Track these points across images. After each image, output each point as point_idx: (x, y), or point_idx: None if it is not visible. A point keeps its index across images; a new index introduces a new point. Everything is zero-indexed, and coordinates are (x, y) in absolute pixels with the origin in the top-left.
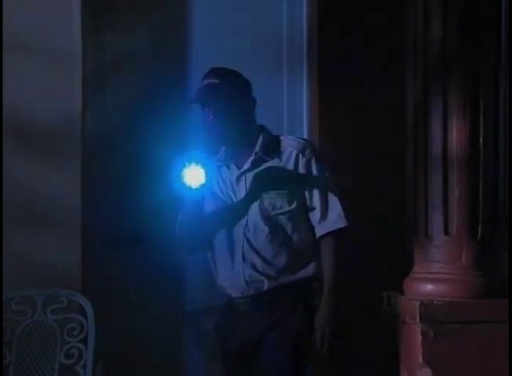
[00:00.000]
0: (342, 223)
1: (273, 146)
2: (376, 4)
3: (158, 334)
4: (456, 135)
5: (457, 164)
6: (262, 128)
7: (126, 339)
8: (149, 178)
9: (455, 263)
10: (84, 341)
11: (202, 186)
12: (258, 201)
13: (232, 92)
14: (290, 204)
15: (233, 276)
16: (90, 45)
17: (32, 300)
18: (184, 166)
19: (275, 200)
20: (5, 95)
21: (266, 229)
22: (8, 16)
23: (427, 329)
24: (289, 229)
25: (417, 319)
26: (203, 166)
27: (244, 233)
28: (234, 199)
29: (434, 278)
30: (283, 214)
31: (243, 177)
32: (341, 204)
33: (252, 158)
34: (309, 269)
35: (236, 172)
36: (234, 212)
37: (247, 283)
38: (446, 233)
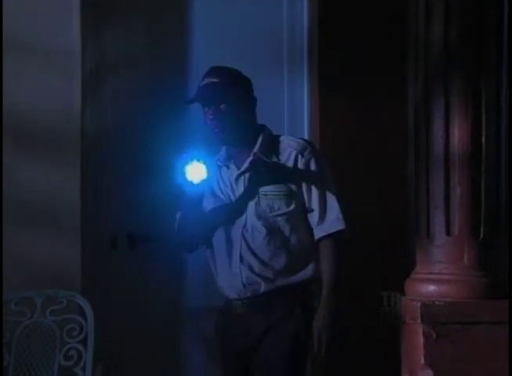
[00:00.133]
0: (340, 225)
1: (272, 147)
2: (377, 3)
3: (158, 334)
4: (458, 134)
5: (459, 163)
6: (263, 128)
7: (126, 339)
8: (149, 178)
9: (457, 263)
10: (84, 342)
11: (203, 181)
12: (256, 201)
13: (232, 91)
14: (288, 205)
15: (231, 277)
16: (90, 44)
17: (31, 301)
18: (186, 162)
19: (273, 202)
20: (5, 95)
21: (264, 230)
22: (8, 16)
23: (428, 330)
24: (287, 231)
25: (419, 320)
26: (205, 162)
27: (242, 234)
28: (233, 199)
29: (436, 278)
30: (280, 215)
31: (242, 177)
32: (340, 206)
33: (251, 158)
34: (307, 272)
35: (236, 172)
36: (232, 209)
37: (244, 285)
38: (448, 233)
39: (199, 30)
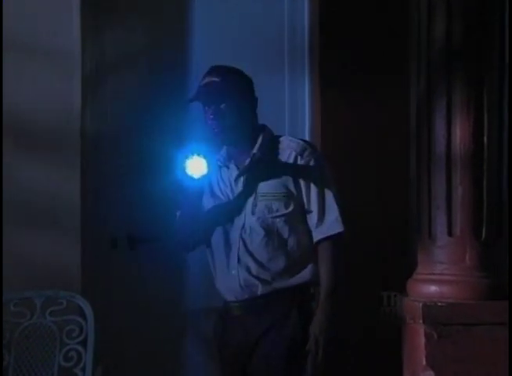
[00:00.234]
0: (339, 228)
1: (272, 147)
2: (378, 3)
3: (158, 334)
4: (460, 134)
5: (461, 163)
6: (263, 128)
7: (126, 340)
8: (149, 178)
9: (458, 264)
10: (84, 343)
11: (203, 176)
12: (254, 202)
13: (233, 90)
14: (286, 207)
15: (229, 279)
16: (90, 44)
17: (31, 302)
18: (187, 156)
19: (272, 203)
20: (5, 95)
21: (262, 231)
22: (8, 16)
23: (430, 331)
24: (285, 233)
25: (420, 321)
26: (206, 157)
27: (241, 235)
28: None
29: (438, 279)
30: (279, 217)
31: (242, 178)
32: (339, 207)
33: (249, 159)
34: (305, 274)
35: (235, 173)
36: (231, 207)
37: (242, 288)
38: (450, 233)
39: (199, 30)
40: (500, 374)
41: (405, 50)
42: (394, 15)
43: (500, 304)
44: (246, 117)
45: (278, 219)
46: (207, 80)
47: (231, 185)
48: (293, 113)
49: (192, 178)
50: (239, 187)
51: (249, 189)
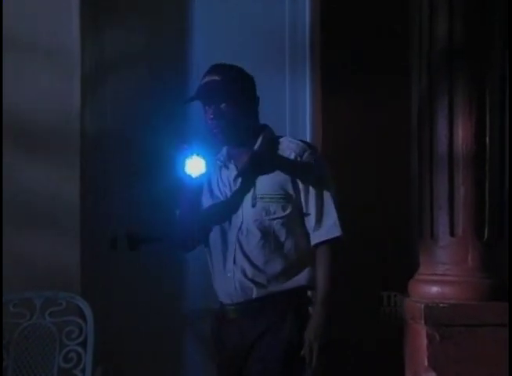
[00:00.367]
0: (337, 232)
1: (272, 148)
2: (380, 1)
3: (158, 334)
4: (462, 134)
5: (463, 163)
6: (264, 128)
7: (126, 340)
8: (148, 178)
9: (461, 265)
10: (83, 344)
11: (201, 176)
12: (251, 201)
13: (233, 90)
14: (284, 209)
15: (225, 281)
16: (89, 44)
17: (30, 302)
18: (186, 156)
19: (269, 205)
20: (5, 95)
21: (258, 233)
22: (8, 16)
23: (432, 332)
24: (282, 236)
25: (422, 322)
26: (205, 157)
27: (237, 237)
28: None
29: (440, 280)
30: (276, 219)
31: (240, 178)
32: (338, 211)
33: (248, 158)
34: (302, 278)
35: (234, 172)
36: (228, 205)
37: (237, 290)
38: (452, 234)
39: (199, 29)
40: (503, 375)
41: (407, 49)
42: (395, 14)
43: (503, 305)
44: (246, 117)
45: (275, 222)
46: (207, 79)
47: (230, 185)
48: (294, 113)
49: (190, 178)
50: (238, 187)
51: (247, 187)
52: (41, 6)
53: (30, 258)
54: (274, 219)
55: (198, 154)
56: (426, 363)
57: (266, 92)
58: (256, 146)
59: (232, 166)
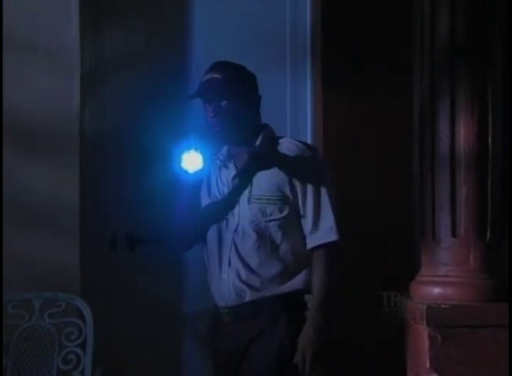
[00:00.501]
0: (333, 236)
1: (271, 148)
2: (381, 0)
3: (158, 335)
4: (464, 134)
5: (465, 163)
6: (264, 128)
7: (126, 340)
8: (148, 178)
9: (463, 266)
10: (83, 345)
11: (198, 171)
12: (248, 203)
13: (234, 87)
14: (281, 211)
15: (220, 283)
16: (89, 44)
17: (29, 303)
18: (183, 150)
19: (266, 207)
20: (5, 95)
21: (254, 235)
22: (7, 15)
23: (434, 333)
24: (278, 238)
25: (424, 323)
26: (202, 152)
27: (233, 238)
28: None
29: (442, 281)
30: (272, 221)
31: (239, 178)
32: (335, 215)
33: (248, 157)
34: (297, 282)
35: (233, 172)
36: (225, 203)
37: (231, 293)
38: (454, 235)
39: (199, 28)
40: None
41: (409, 48)
42: (396, 12)
43: (504, 306)
44: (247, 115)
45: (271, 223)
46: (208, 76)
47: (228, 184)
48: (295, 112)
49: (186, 173)
50: (236, 185)
51: (244, 186)
52: (40, 6)
53: (29, 258)
54: (270, 221)
55: (196, 149)
56: (428, 365)
57: (267, 90)
58: (256, 145)
59: (231, 166)
